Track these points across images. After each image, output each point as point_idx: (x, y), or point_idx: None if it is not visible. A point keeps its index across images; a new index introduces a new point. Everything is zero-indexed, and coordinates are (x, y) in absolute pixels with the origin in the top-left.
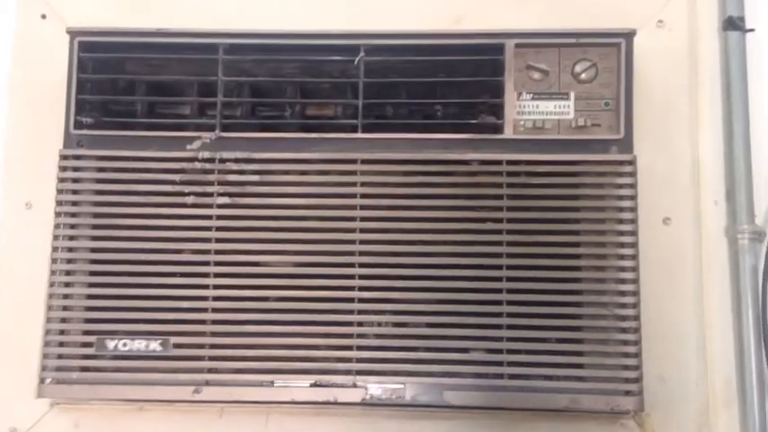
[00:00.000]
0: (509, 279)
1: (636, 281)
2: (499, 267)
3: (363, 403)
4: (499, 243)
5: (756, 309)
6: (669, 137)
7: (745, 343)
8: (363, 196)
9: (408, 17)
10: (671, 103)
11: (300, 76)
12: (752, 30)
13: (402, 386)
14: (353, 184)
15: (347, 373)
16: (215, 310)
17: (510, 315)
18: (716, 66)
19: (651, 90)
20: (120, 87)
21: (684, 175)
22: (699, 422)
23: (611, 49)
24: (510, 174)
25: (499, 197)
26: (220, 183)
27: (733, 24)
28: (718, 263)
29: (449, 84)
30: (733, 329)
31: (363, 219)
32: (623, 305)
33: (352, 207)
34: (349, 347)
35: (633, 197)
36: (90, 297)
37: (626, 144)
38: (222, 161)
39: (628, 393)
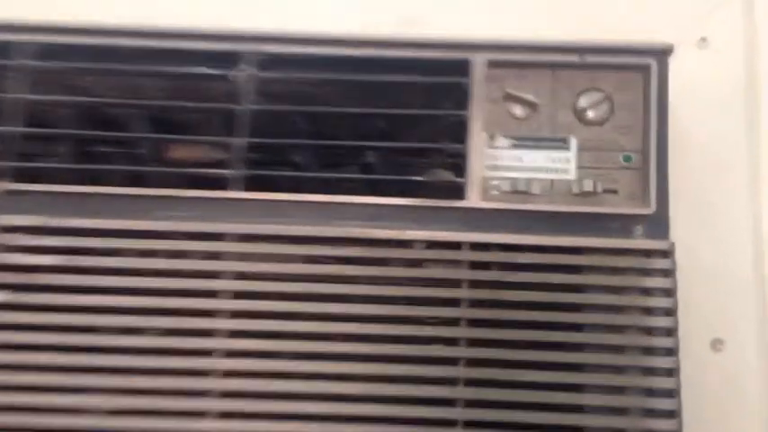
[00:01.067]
0: (467, 425)
1: None
2: (453, 424)
3: None
4: (454, 381)
5: None
6: (722, 211)
7: None
8: (236, 296)
9: (328, 15)
10: (720, 159)
11: (149, 96)
12: None
13: None
14: (217, 275)
15: None
16: None
17: None
18: None
19: (693, 139)
20: None
21: (745, 273)
22: None
23: (633, 76)
24: (475, 265)
25: (456, 303)
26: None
27: None
28: None
29: (384, 119)
30: None
31: (233, 334)
32: None
33: (214, 313)
34: None
35: (672, 311)
36: None
37: (659, 223)
38: (5, 230)
39: None
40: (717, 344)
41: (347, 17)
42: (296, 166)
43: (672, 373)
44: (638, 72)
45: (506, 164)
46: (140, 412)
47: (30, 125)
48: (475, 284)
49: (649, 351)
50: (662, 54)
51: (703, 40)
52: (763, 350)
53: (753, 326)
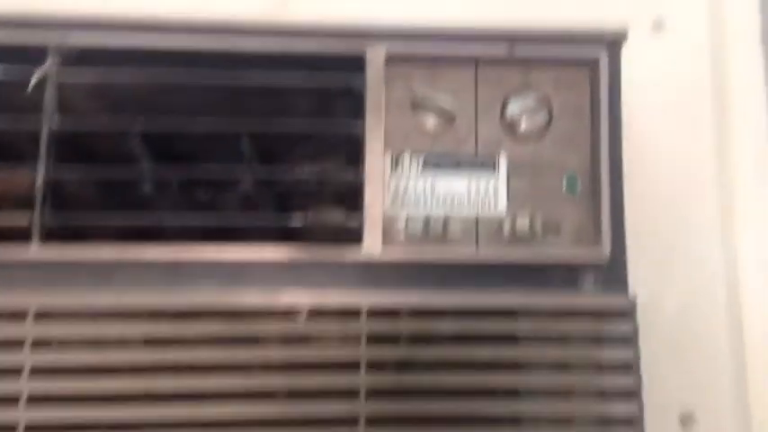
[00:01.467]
0: None
1: None
2: None
3: None
4: None
5: None
6: (689, 253)
7: None
8: (30, 401)
9: None
10: (688, 185)
11: None
12: None
13: None
14: (16, 372)
15: None
16: None
17: None
18: (762, 105)
19: (643, 148)
20: None
21: (718, 330)
22: None
23: (576, 72)
24: (375, 339)
25: (353, 393)
26: None
27: None
28: None
29: (247, 140)
30: None
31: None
32: None
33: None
34: None
35: (634, 393)
36: None
37: (615, 272)
38: None
39: None
40: (687, 420)
41: None
42: (127, 207)
43: None
44: (583, 67)
45: (416, 195)
46: None
47: None
48: (377, 366)
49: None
50: (613, 43)
51: (658, 23)
52: (741, 426)
53: (728, 397)
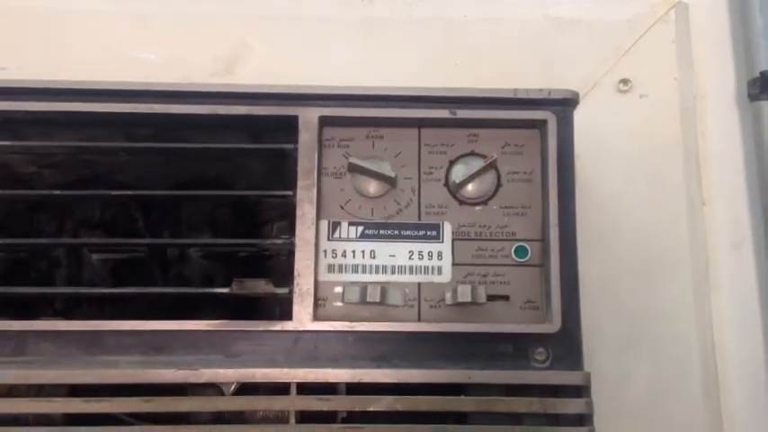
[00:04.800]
0: None
1: None
2: None
3: None
4: None
5: None
6: (659, 328)
7: None
8: None
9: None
10: (659, 254)
11: None
12: None
13: None
14: None
15: None
16: None
17: None
18: (738, 165)
19: (613, 218)
20: None
21: (692, 405)
22: None
23: (525, 133)
24: (308, 417)
25: None
26: None
27: None
28: None
29: (175, 204)
30: None
31: None
32: None
33: None
34: None
35: None
36: None
37: (568, 345)
38: None
39: None
40: None
41: (142, 59)
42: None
43: None
44: (532, 130)
45: (354, 262)
46: None
47: None
48: None
49: None
50: (564, 105)
51: (624, 81)
52: None
53: None
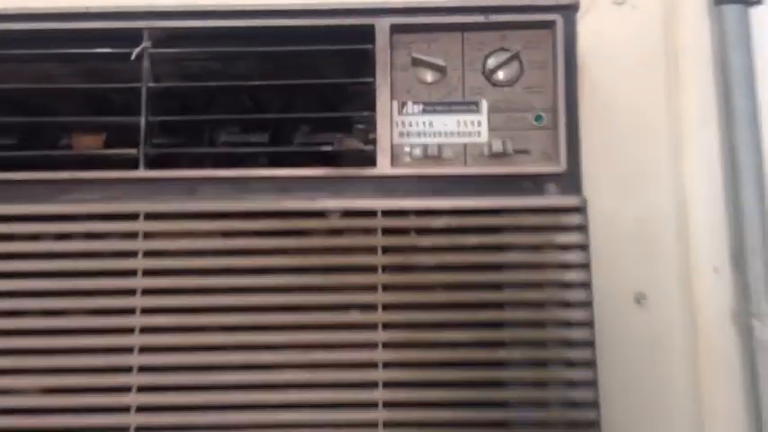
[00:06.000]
0: (388, 405)
1: (595, 403)
2: (372, 385)
3: None
4: (372, 345)
5: None
6: (640, 169)
7: None
8: (148, 274)
9: None
10: (639, 118)
11: (35, 80)
12: (758, 1)
13: None
14: (134, 254)
15: None
16: None
17: None
18: (706, 59)
19: (610, 97)
20: None
21: (666, 229)
22: None
23: (541, 33)
24: (389, 232)
25: (372, 269)
26: None
27: None
28: (724, 362)
29: (289, 91)
30: None
31: (146, 311)
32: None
33: (130, 292)
34: None
35: (586, 265)
36: None
37: (571, 181)
38: None
39: None
40: (640, 298)
41: None
42: (202, 144)
43: (588, 324)
44: (545, 30)
45: (417, 129)
46: (66, 390)
47: None
48: (389, 250)
49: (567, 305)
50: (568, 9)
51: None
52: (685, 302)
53: (676, 277)
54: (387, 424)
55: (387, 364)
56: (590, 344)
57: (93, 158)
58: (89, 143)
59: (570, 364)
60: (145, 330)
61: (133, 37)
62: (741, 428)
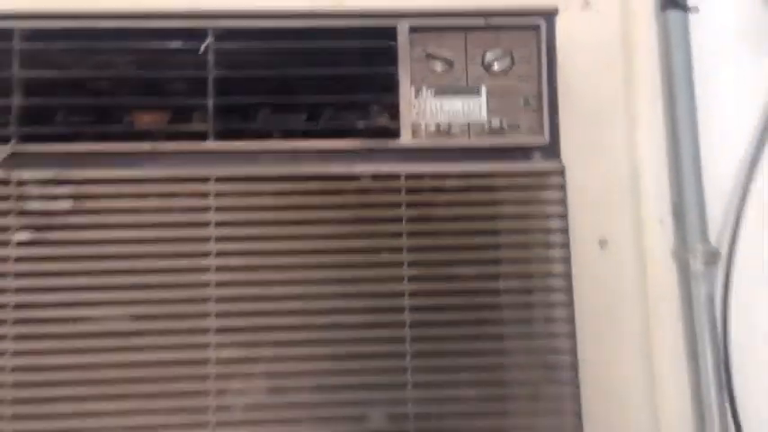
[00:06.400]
0: (413, 325)
1: (570, 320)
2: (400, 310)
3: None
4: (399, 279)
5: (715, 346)
6: (602, 142)
7: (703, 388)
8: (219, 225)
9: None
10: (603, 102)
11: (127, 68)
12: (695, 9)
13: None
14: (206, 210)
15: None
16: (16, 385)
17: (416, 371)
18: (655, 55)
19: (579, 85)
20: None
21: (623, 189)
22: None
23: (528, 34)
24: (410, 191)
25: (397, 220)
26: (20, 213)
27: (674, 2)
28: (667, 293)
29: (327, 79)
30: (687, 373)
31: (221, 254)
32: (557, 351)
33: (205, 239)
34: (205, 425)
35: (563, 216)
36: None
37: (552, 151)
38: (21, 183)
39: None
40: (603, 243)
41: None
42: (260, 120)
43: (565, 260)
44: (531, 31)
45: (430, 110)
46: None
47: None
48: (411, 205)
49: (548, 246)
50: (550, 15)
51: (587, 2)
52: (637, 246)
53: (631, 226)
54: (413, 339)
55: (412, 294)
56: (568, 275)
57: (161, 134)
58: (151, 119)
59: (551, 289)
60: (220, 269)
61: (195, 35)
62: (680, 341)
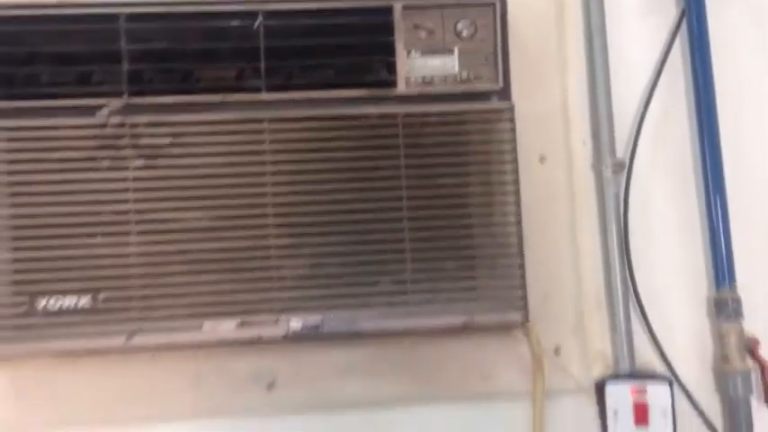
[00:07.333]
0: (410, 219)
1: (518, 214)
2: (400, 209)
3: (286, 338)
4: (399, 188)
5: (619, 231)
6: (542, 85)
7: (611, 260)
8: (272, 152)
9: None
10: (542, 55)
11: (203, 41)
12: None
13: (320, 319)
14: (262, 142)
15: (270, 312)
16: (140, 265)
17: (412, 250)
18: (578, 16)
19: (525, 43)
20: (20, 59)
21: (556, 119)
22: (574, 327)
23: (487, 9)
24: (405, 125)
25: (396, 147)
26: (134, 147)
27: None
28: (587, 194)
29: (344, 46)
30: (601, 250)
31: (274, 173)
32: (508, 235)
33: (262, 163)
34: (270, 290)
35: (513, 140)
36: (17, 261)
37: (505, 93)
38: (133, 126)
39: (515, 308)
40: (542, 159)
41: None
42: (298, 78)
43: (514, 172)
44: (489, 7)
45: (418, 66)
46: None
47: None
48: (407, 136)
49: (503, 161)
50: None
51: None
52: (567, 162)
53: (563, 146)
54: (410, 229)
55: (409, 198)
56: (516, 182)
57: (229, 88)
58: (228, 75)
59: (505, 192)
60: (275, 184)
61: (249, 15)
62: (596, 228)
